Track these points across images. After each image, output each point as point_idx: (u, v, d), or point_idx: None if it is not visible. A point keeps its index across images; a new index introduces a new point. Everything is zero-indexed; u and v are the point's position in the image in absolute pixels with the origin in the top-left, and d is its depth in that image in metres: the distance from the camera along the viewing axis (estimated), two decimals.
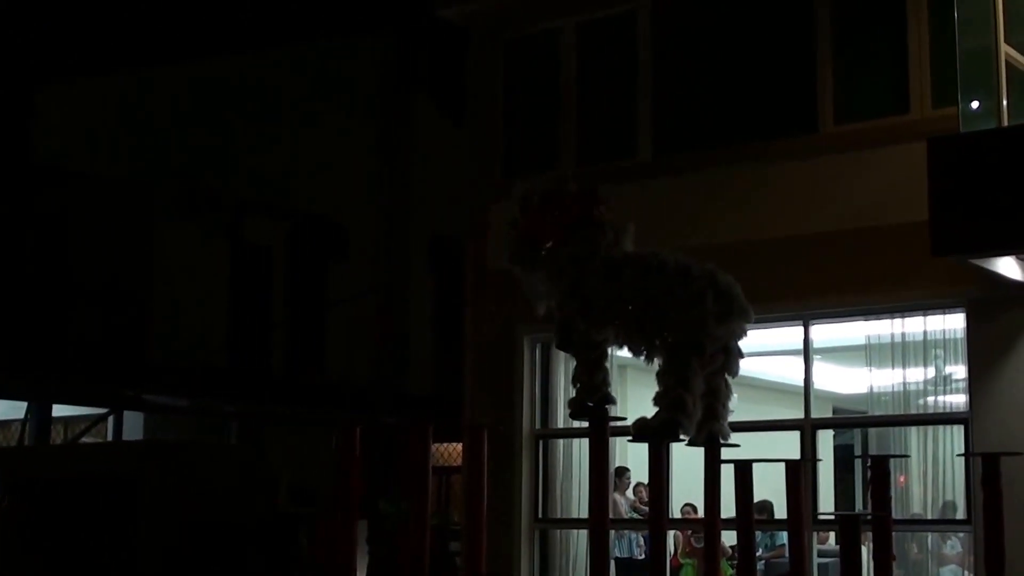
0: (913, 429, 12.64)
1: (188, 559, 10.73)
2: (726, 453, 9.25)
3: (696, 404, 8.83)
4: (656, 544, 9.48)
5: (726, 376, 9.07)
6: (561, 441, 14.15)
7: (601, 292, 8.78)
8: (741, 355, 9.14)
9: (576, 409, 9.05)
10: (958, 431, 12.11)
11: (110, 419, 17.14)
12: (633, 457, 15.35)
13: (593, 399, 9.00)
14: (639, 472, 15.04)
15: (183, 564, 10.72)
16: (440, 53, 21.14)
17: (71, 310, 16.03)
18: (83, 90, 18.16)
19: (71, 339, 15.74)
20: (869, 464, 10.88)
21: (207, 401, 17.75)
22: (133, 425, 17.55)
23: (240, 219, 19.42)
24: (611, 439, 11.16)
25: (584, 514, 11.30)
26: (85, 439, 16.39)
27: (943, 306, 12.13)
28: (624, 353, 9.35)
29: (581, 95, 14.35)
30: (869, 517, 9.98)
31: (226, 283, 19.13)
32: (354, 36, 21.53)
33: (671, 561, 14.86)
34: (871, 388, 12.86)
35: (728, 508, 9.38)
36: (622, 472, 15.59)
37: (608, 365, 9.05)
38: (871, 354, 12.67)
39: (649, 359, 9.06)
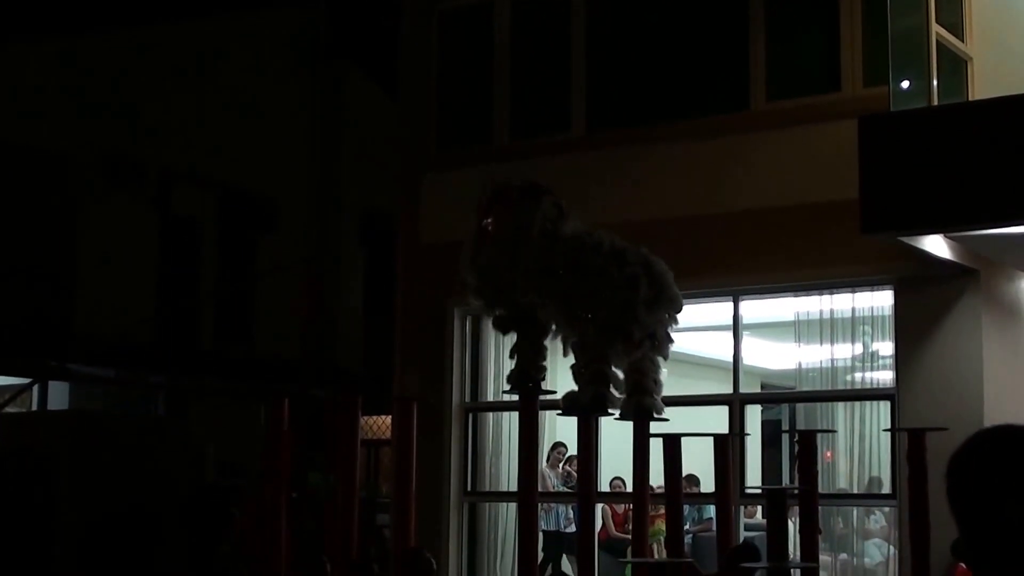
0: (840, 405, 12.75)
1: (113, 531, 10.63)
2: (655, 427, 9.28)
3: (619, 378, 8.90)
4: (585, 517, 9.51)
5: (654, 356, 9.11)
6: (491, 414, 14.14)
7: (536, 260, 8.84)
8: (670, 340, 9.18)
9: (516, 383, 9.14)
10: (884, 407, 12.23)
11: (34, 389, 16.92)
12: (563, 431, 15.38)
13: (537, 378, 9.12)
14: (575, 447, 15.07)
15: (107, 536, 10.61)
16: (373, 23, 21.01)
17: None
18: (7, 57, 17.86)
19: None
20: (796, 439, 10.97)
21: (134, 373, 17.60)
22: (59, 395, 17.34)
23: (168, 190, 19.23)
24: (545, 413, 11.23)
25: (513, 487, 11.31)
26: (8, 409, 16.17)
27: (871, 283, 12.23)
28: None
29: (515, 68, 14.30)
30: (796, 491, 10.07)
31: (154, 254, 18.97)
32: (284, 4, 21.35)
33: (599, 535, 14.89)
34: (799, 364, 12.95)
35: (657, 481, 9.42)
36: (557, 446, 15.60)
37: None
38: (800, 330, 12.75)
39: (575, 337, 9.09)
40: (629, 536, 14.91)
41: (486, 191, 9.25)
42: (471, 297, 9.41)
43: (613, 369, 8.82)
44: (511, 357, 9.48)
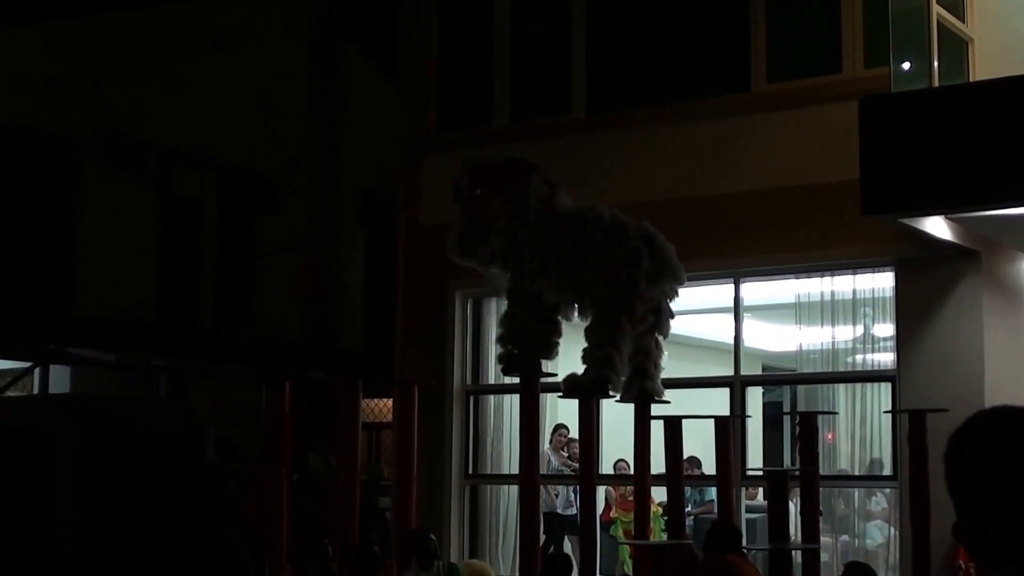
0: (841, 387, 12.75)
1: (113, 514, 10.63)
2: (656, 409, 9.29)
3: (624, 361, 8.90)
4: (586, 499, 9.52)
5: (657, 336, 9.12)
6: (492, 397, 14.14)
7: (536, 241, 8.83)
8: (672, 315, 9.18)
9: (508, 364, 9.11)
10: (885, 389, 12.23)
11: (35, 373, 16.92)
12: (565, 414, 15.39)
13: (549, 356, 9.13)
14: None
15: (107, 518, 10.61)
16: (372, 3, 20.96)
17: None
18: (6, 40, 17.82)
19: None
20: (798, 421, 10.99)
21: (135, 356, 17.59)
22: (60, 379, 17.34)
23: (168, 171, 19.20)
24: (546, 395, 11.23)
25: (514, 470, 11.32)
26: (9, 393, 16.18)
27: (872, 265, 12.22)
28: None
29: (515, 49, 14.26)
30: (797, 473, 10.09)
31: (154, 236, 18.94)
32: None
33: (601, 516, 14.91)
34: (800, 346, 12.94)
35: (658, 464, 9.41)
36: (559, 428, 15.61)
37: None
38: (801, 312, 12.74)
39: (581, 315, 9.10)
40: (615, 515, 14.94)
41: (464, 174, 9.15)
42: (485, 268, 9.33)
43: (619, 351, 8.82)
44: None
